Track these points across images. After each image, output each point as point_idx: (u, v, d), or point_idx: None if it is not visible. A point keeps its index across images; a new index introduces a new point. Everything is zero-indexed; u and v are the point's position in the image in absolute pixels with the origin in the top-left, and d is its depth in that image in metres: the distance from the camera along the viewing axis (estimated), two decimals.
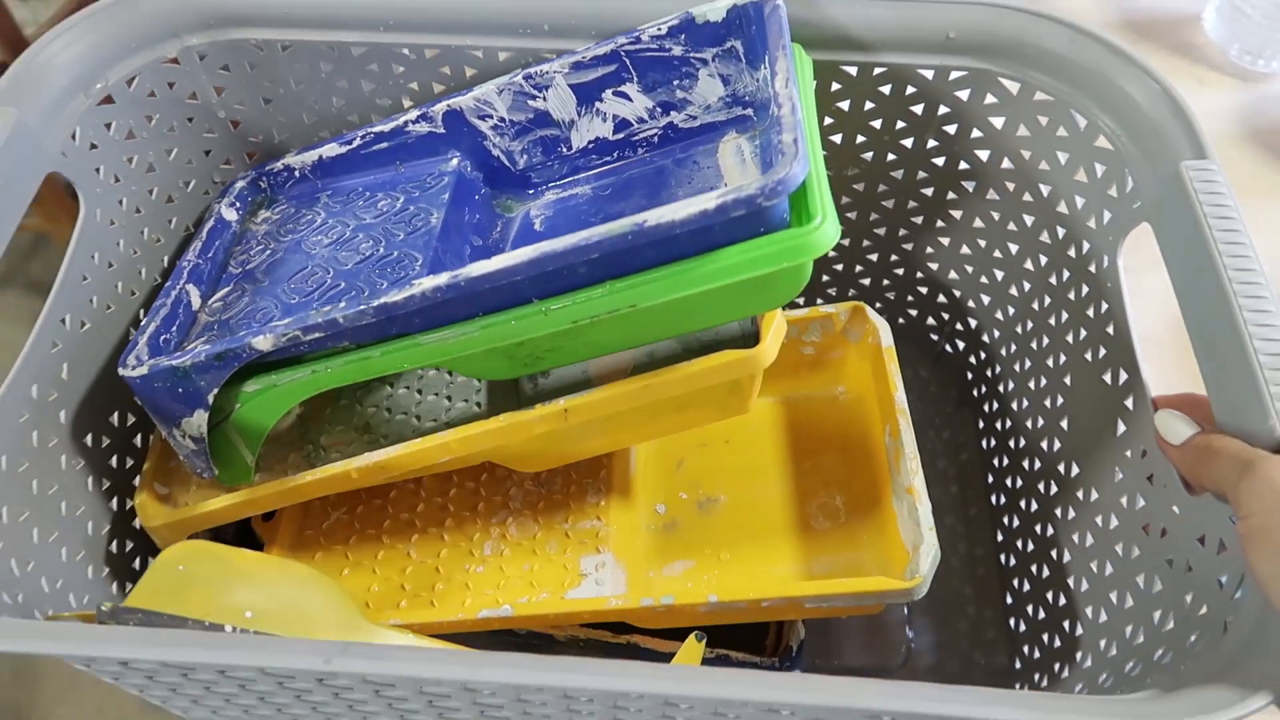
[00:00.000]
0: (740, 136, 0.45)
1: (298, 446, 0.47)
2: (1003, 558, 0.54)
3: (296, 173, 0.49)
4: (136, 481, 0.49)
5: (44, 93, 0.41)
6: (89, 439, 0.46)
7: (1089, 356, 0.45)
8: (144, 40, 0.44)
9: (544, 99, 0.45)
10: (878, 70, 0.45)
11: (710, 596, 0.43)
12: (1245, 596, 0.33)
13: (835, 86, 0.47)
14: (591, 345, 0.39)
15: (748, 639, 0.50)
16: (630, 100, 0.45)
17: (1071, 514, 0.46)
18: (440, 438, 0.42)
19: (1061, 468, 0.48)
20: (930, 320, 0.60)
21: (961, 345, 0.59)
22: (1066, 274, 0.47)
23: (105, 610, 0.34)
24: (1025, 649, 0.50)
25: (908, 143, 0.49)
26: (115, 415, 0.47)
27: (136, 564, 0.49)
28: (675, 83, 0.44)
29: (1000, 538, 0.55)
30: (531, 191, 0.48)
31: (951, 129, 0.48)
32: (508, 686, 0.32)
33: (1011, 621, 0.52)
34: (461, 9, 0.44)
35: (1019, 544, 0.52)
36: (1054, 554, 0.48)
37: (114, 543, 0.48)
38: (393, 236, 0.45)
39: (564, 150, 0.47)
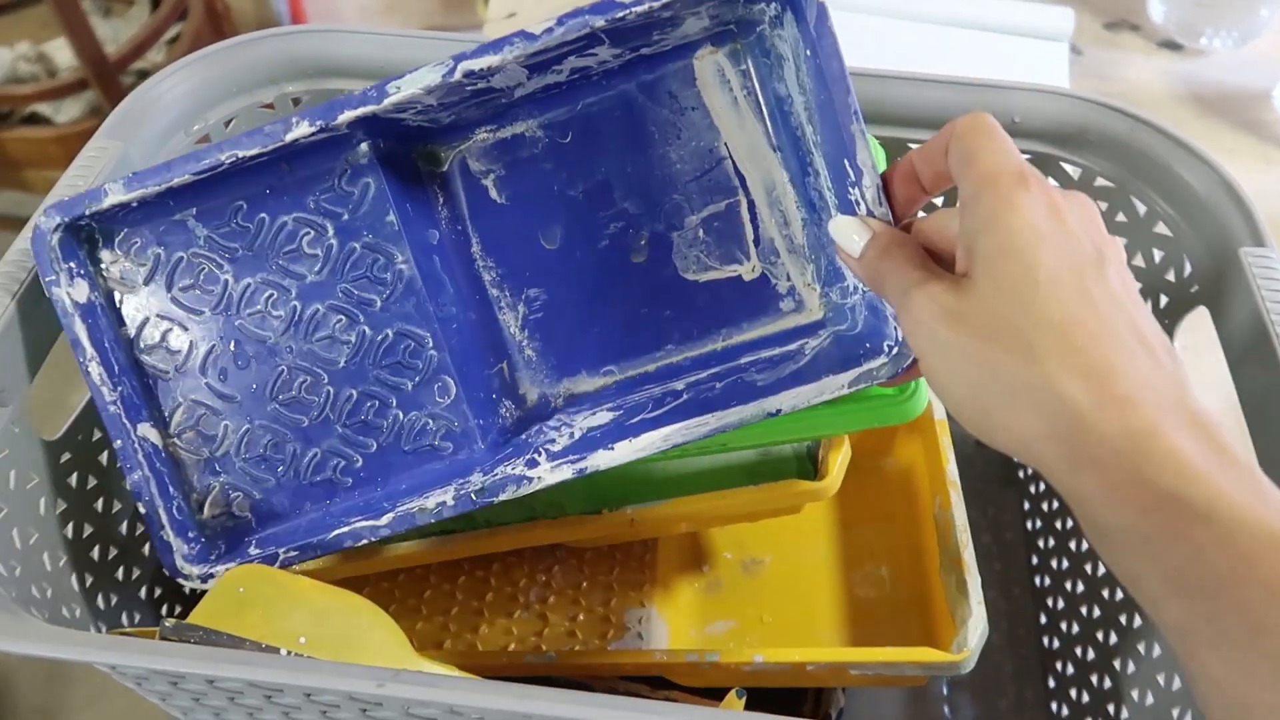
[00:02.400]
0: (719, 51, 0.37)
1: None
2: (1046, 640, 0.54)
3: (134, 205, 0.37)
4: None
5: (148, 129, 0.44)
6: None
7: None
8: (245, 85, 0.47)
9: (487, 81, 0.36)
10: None
11: (756, 657, 0.43)
12: None
13: None
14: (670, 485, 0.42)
15: (784, 707, 0.50)
16: (596, 55, 0.36)
17: (1119, 595, 0.46)
18: (508, 532, 0.43)
19: None
20: None
21: None
22: None
23: (169, 626, 0.35)
24: None
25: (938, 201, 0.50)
26: None
27: (188, 587, 0.50)
28: (655, 32, 0.36)
29: (1044, 619, 0.54)
30: (458, 135, 0.38)
31: None
32: None
33: (1054, 705, 0.52)
34: None
35: (1063, 626, 0.52)
36: (1100, 636, 0.47)
37: None
38: (368, 305, 0.38)
39: (502, 101, 0.37)
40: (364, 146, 0.37)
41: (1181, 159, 0.43)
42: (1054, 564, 0.54)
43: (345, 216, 0.37)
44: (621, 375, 0.38)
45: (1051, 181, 0.47)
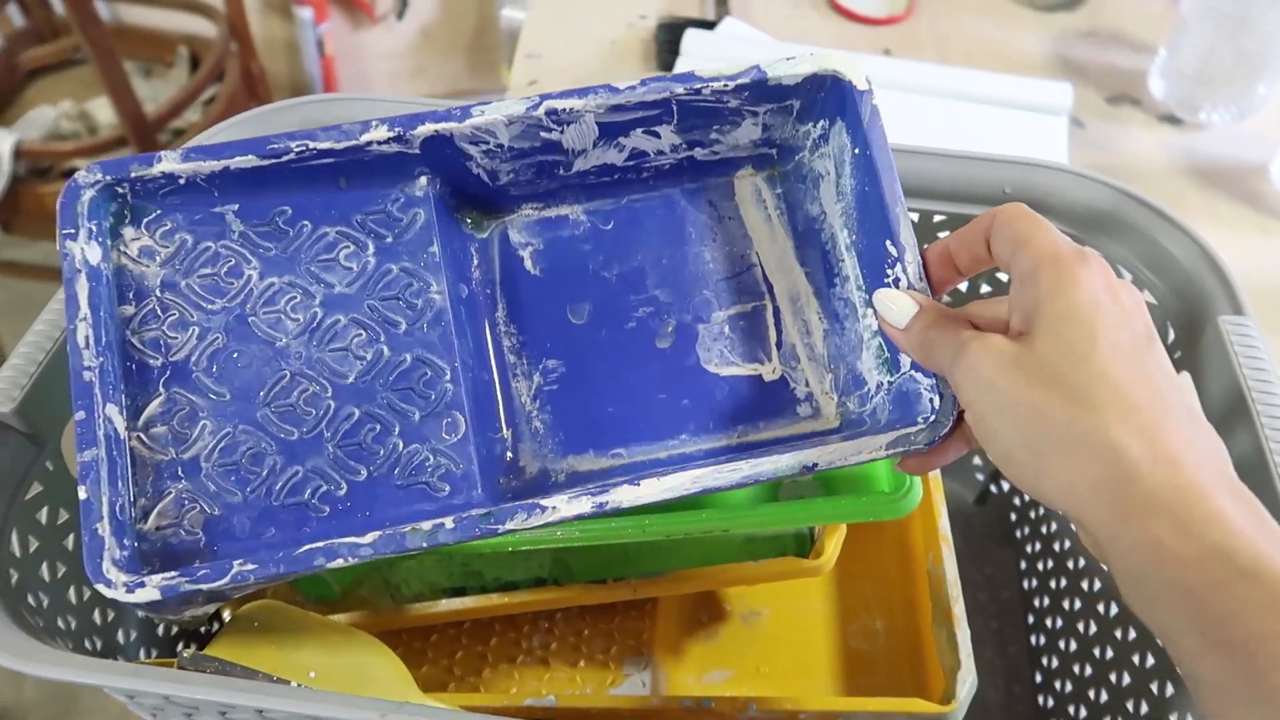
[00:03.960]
0: (758, 175, 0.40)
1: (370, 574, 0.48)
2: (1041, 698, 0.54)
3: (181, 180, 0.36)
4: None
5: None
6: None
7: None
8: None
9: (561, 132, 0.37)
10: (938, 217, 0.49)
11: (750, 705, 0.44)
12: None
13: None
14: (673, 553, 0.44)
15: None
16: (658, 138, 0.38)
17: (1110, 654, 0.47)
18: (521, 595, 0.45)
19: (1101, 608, 0.49)
20: (977, 460, 0.62)
21: (1007, 486, 0.61)
22: None
23: (187, 657, 0.37)
24: None
25: (962, 287, 0.52)
26: None
27: (203, 627, 0.52)
28: (715, 127, 0.39)
29: (1039, 678, 0.55)
30: (507, 207, 0.40)
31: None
32: None
33: None
34: None
35: (1058, 684, 0.52)
36: (1092, 694, 0.48)
37: None
38: (392, 327, 0.36)
39: (560, 172, 0.39)
40: (423, 180, 0.38)
41: (1163, 229, 0.45)
42: (1049, 623, 0.55)
43: (389, 239, 0.37)
44: (630, 459, 0.37)
45: None
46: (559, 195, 0.40)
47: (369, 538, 0.32)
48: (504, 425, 0.38)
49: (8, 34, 1.40)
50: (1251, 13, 0.77)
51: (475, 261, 0.39)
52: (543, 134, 0.37)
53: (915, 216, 0.50)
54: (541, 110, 0.36)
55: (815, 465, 0.33)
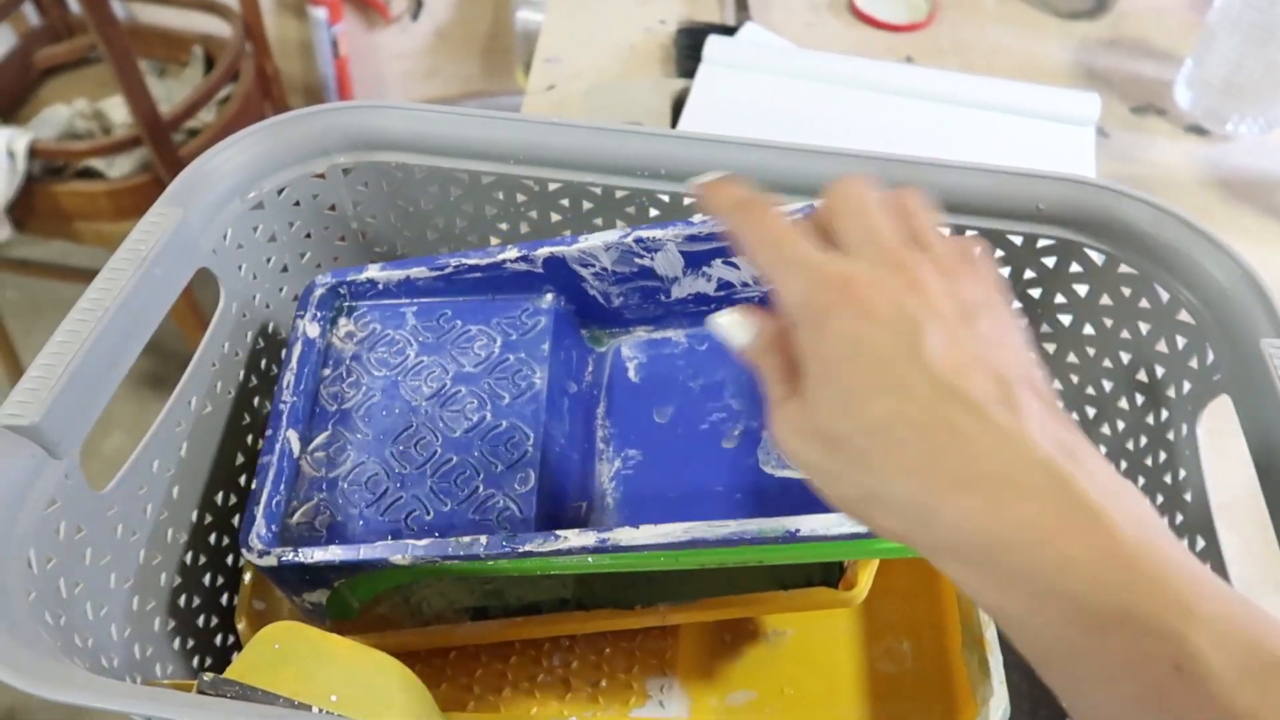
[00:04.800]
0: None
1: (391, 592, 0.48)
2: None
3: (380, 285, 0.48)
4: (230, 560, 0.52)
5: (206, 196, 0.46)
6: (195, 515, 0.48)
7: (1165, 522, 0.46)
8: (298, 156, 0.49)
9: (651, 259, 0.45)
10: (970, 232, 0.48)
11: None
12: None
13: None
14: (697, 578, 0.44)
15: None
16: (738, 269, 0.45)
17: None
18: (543, 621, 0.45)
19: None
20: None
21: None
22: (1144, 440, 0.48)
23: (207, 680, 0.36)
24: None
25: None
26: (220, 495, 0.50)
27: (218, 640, 0.51)
28: None
29: None
30: (622, 327, 0.49)
31: (1036, 292, 0.50)
32: None
33: None
34: (584, 149, 0.49)
35: None
36: None
37: (201, 617, 0.50)
38: (498, 399, 0.45)
39: (662, 298, 0.47)
40: (550, 296, 0.48)
41: (1204, 249, 0.44)
42: None
43: (514, 336, 0.47)
44: None
45: (1074, 267, 0.48)
46: (665, 320, 0.48)
47: (424, 542, 0.40)
48: (582, 498, 0.44)
49: (23, 32, 1.39)
50: None
51: (590, 368, 0.48)
52: (637, 260, 0.45)
53: (946, 232, 0.49)
54: (631, 239, 0.44)
55: (798, 531, 0.37)
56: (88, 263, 1.33)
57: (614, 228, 0.51)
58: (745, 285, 0.46)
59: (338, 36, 1.54)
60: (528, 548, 0.39)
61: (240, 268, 0.49)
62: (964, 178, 0.47)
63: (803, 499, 0.41)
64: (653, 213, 0.50)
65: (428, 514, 0.43)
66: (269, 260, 0.51)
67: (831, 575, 0.45)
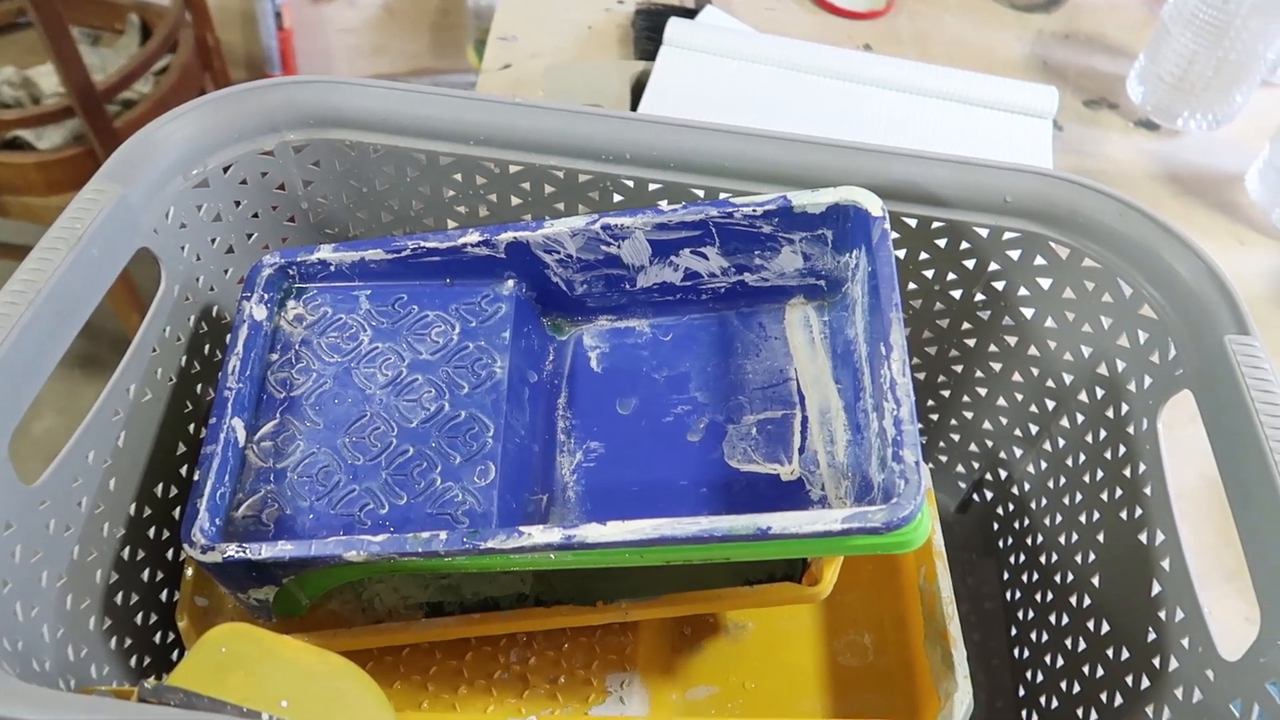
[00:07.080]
0: (808, 305, 0.46)
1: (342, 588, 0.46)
2: (1024, 714, 0.54)
3: (332, 267, 0.46)
4: (170, 555, 0.49)
5: (148, 173, 0.44)
6: (132, 509, 0.46)
7: (1124, 515, 0.46)
8: (246, 132, 0.47)
9: (618, 247, 0.44)
10: (936, 224, 0.48)
11: None
12: None
13: (895, 235, 0.49)
14: (658, 573, 0.43)
15: None
16: (706, 259, 0.45)
17: (1100, 672, 0.46)
18: (501, 618, 0.43)
19: (1091, 624, 0.48)
20: (960, 468, 0.61)
21: (990, 495, 0.60)
22: (1104, 433, 0.48)
23: (149, 688, 0.34)
24: None
25: (956, 294, 0.51)
26: (159, 487, 0.48)
27: (157, 638, 0.49)
28: (756, 252, 0.44)
29: (1022, 692, 0.54)
30: (585, 316, 0.48)
31: (1000, 285, 0.50)
32: None
33: None
34: (547, 131, 0.47)
35: (1043, 700, 0.52)
36: (1080, 713, 0.48)
37: (139, 615, 0.47)
38: (457, 389, 0.44)
39: (626, 287, 0.46)
40: (511, 283, 0.46)
41: (1168, 245, 0.44)
42: (1034, 636, 0.54)
43: (473, 324, 0.45)
44: None
45: (1039, 260, 0.48)
46: (629, 310, 0.47)
47: (380, 538, 0.38)
48: (542, 490, 0.43)
49: None
50: (1234, 22, 0.76)
51: (550, 357, 0.47)
52: (603, 247, 0.44)
53: (913, 223, 0.48)
54: (598, 225, 0.44)
55: (769, 529, 0.35)
56: (14, 237, 1.27)
57: (576, 213, 0.50)
58: (712, 275, 0.45)
59: (282, 8, 1.49)
60: (490, 544, 0.37)
61: (183, 248, 0.46)
62: (933, 169, 0.46)
63: (769, 494, 0.41)
64: (616, 198, 0.49)
65: (382, 508, 0.41)
66: (213, 240, 0.48)
67: (795, 570, 0.44)
